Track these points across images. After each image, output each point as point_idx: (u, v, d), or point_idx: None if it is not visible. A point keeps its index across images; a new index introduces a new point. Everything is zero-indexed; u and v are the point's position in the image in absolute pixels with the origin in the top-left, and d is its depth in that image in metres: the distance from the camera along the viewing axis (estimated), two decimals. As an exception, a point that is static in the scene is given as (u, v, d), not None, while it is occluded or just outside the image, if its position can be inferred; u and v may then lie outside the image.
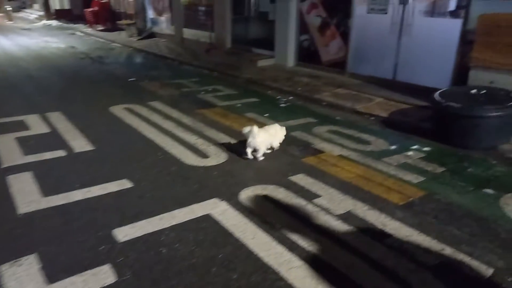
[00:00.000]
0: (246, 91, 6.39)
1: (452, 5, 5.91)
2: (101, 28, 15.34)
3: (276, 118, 4.88)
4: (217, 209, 2.69)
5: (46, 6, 19.21)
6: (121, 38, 13.28)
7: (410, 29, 5.64)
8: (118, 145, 3.95)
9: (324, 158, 3.62)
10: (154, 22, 13.30)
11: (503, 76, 4.19)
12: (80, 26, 16.77)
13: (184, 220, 2.54)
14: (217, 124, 4.58)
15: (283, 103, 5.67)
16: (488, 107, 3.70)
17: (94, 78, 7.24)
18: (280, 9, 7.59)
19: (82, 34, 15.02)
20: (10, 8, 20.49)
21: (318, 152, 3.80)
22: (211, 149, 3.80)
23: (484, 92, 3.96)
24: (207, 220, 2.57)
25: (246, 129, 3.47)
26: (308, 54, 7.55)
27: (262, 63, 8.14)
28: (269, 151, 3.69)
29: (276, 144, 3.73)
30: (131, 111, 5.04)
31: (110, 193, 2.93)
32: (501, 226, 2.54)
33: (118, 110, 5.05)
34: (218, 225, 2.51)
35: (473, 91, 4.04)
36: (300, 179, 3.19)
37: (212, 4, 9.77)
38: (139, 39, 12.91)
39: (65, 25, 17.91)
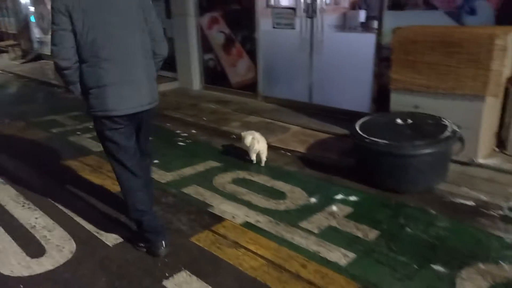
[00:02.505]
0: (138, 126, 5.19)
1: (363, 18, 5.41)
2: (-19, 51, 12.95)
3: (169, 164, 3.79)
4: None
5: None
6: (2, 62, 11.18)
7: (322, 46, 4.96)
8: None
9: (223, 233, 2.61)
10: (42, 42, 11.43)
11: (428, 99, 3.59)
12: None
13: None
14: (81, 184, 3.35)
15: (182, 141, 4.59)
16: (418, 142, 3.01)
17: None
18: (178, 25, 6.55)
19: (-42, 59, 12.53)
20: None
21: (215, 220, 2.78)
22: (54, 236, 2.57)
23: (412, 122, 3.29)
24: None
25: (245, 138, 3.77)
26: (215, 76, 6.59)
27: (164, 87, 6.97)
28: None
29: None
30: (-44, 174, 3.58)
31: None
32: None
33: None
34: None
35: (399, 120, 3.36)
36: (181, 283, 2.12)
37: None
38: (23, 63, 10.95)
39: None
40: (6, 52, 12.01)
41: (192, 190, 3.25)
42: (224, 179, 3.47)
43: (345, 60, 4.83)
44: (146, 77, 2.19)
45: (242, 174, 3.60)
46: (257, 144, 3.70)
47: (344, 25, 4.81)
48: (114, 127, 2.14)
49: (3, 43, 12.19)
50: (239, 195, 3.16)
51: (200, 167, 3.75)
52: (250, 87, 6.04)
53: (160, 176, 3.54)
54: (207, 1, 6.28)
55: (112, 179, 3.45)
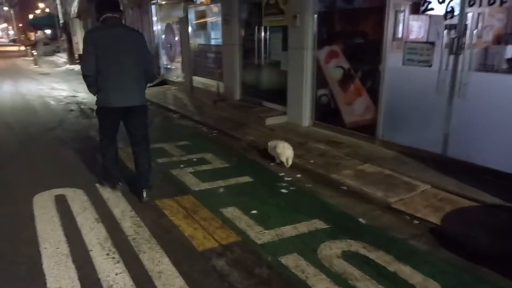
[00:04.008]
0: (241, 162, 4.86)
1: (510, 54, 4.24)
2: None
3: (267, 218, 3.29)
4: None
5: (69, 51, 19.14)
6: (132, 85, 12.42)
7: (466, 89, 3.99)
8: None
9: None
10: (168, 69, 12.38)
11: None
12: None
13: None
14: (171, 233, 3.02)
15: (285, 187, 4.06)
16: None
17: (60, 139, 5.97)
18: (293, 58, 6.18)
19: (98, 79, 14.43)
20: (36, 53, 20.65)
21: (319, 317, 2.12)
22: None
23: None
24: None
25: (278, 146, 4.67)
26: (327, 113, 6.00)
27: (271, 120, 6.64)
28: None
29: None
30: (61, 203, 3.59)
31: None
32: None
33: (43, 201, 3.61)
34: None
35: None
36: None
37: (221, 50, 8.59)
38: (149, 86, 11.94)
39: (88, 69, 17.61)
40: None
41: (291, 262, 2.65)
42: (332, 251, 2.80)
43: (499, 109, 3.79)
44: (135, 86, 3.47)
45: (355, 245, 2.87)
46: (287, 151, 4.59)
47: (504, 65, 3.78)
48: (108, 114, 3.51)
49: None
50: (352, 279, 2.45)
51: (303, 227, 3.14)
52: (366, 129, 5.28)
53: (257, 234, 3.03)
54: (328, 34, 5.79)
55: (203, 231, 3.09)
